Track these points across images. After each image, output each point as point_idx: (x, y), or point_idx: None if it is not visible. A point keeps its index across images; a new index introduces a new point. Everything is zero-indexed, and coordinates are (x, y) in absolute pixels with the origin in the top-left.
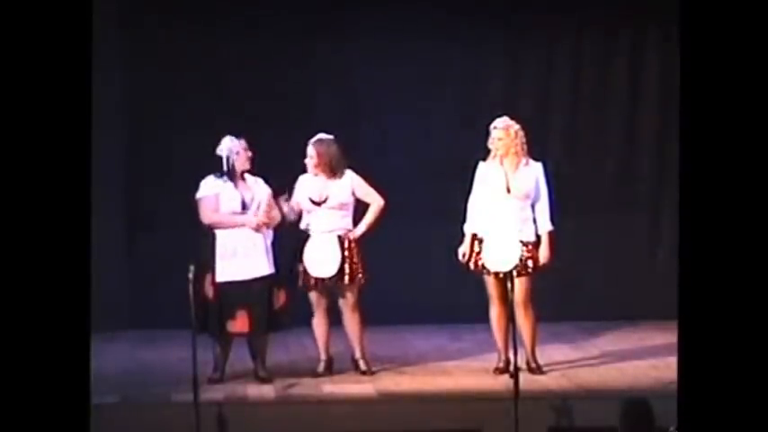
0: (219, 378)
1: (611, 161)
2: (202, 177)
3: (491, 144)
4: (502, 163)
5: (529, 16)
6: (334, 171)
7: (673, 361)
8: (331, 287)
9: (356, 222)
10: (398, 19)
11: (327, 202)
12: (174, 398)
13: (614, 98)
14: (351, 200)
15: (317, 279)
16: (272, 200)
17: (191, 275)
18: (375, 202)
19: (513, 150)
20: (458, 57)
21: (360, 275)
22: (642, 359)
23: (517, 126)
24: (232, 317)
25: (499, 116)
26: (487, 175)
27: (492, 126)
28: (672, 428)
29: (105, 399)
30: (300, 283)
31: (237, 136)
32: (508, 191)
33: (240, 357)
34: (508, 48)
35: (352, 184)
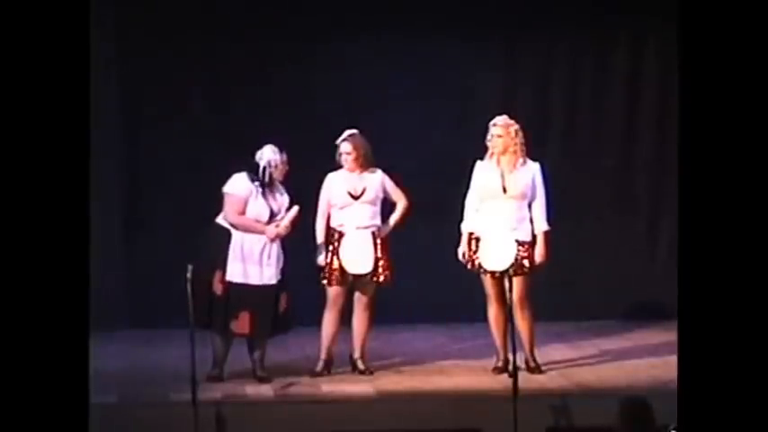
0: (219, 375)
1: (610, 161)
2: (200, 176)
3: (489, 142)
4: (499, 162)
5: (528, 16)
6: (369, 164)
7: (672, 360)
8: (363, 284)
9: (382, 221)
10: (398, 19)
11: (364, 195)
12: (172, 397)
13: (613, 98)
14: (381, 196)
15: (353, 276)
16: (293, 212)
17: (189, 275)
18: (401, 200)
19: (511, 149)
20: (457, 57)
21: (388, 273)
22: (641, 358)
23: (517, 126)
24: (235, 317)
25: (499, 114)
26: (484, 174)
27: (491, 123)
28: (671, 427)
29: (104, 398)
30: (333, 278)
31: (281, 148)
32: (504, 190)
33: (239, 357)
34: (508, 48)
35: (382, 179)
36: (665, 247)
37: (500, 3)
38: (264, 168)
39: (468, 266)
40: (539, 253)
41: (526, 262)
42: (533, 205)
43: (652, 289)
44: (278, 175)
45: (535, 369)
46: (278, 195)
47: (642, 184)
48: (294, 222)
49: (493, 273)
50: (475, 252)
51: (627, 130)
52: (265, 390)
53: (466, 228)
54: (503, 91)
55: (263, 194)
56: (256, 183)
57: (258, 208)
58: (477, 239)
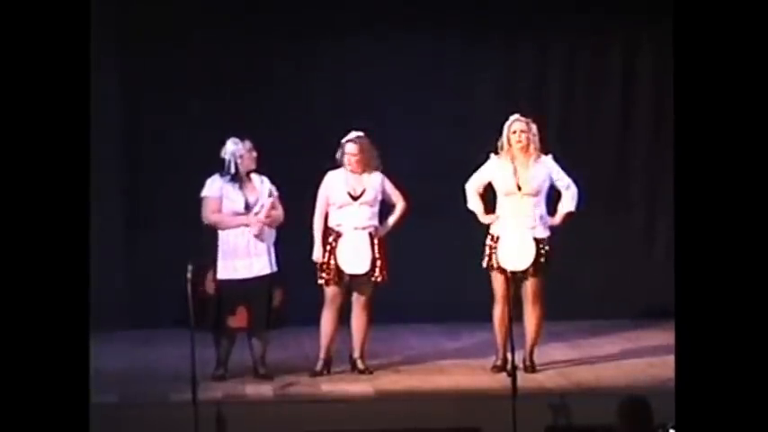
0: (223, 375)
1: (608, 161)
2: (200, 176)
3: (508, 139)
4: (513, 159)
5: (526, 17)
6: (371, 167)
7: (670, 359)
8: (360, 284)
9: (380, 222)
10: (398, 19)
11: (363, 196)
12: (172, 397)
13: (609, 99)
14: (380, 197)
15: (350, 275)
16: (276, 199)
17: (189, 275)
18: (400, 202)
19: (532, 146)
20: (455, 57)
21: (385, 273)
22: (639, 357)
23: (534, 124)
24: (232, 312)
25: (510, 114)
26: (498, 171)
27: (511, 120)
28: (669, 426)
29: (105, 398)
30: (330, 278)
31: (241, 137)
32: (519, 187)
33: (239, 356)
34: (506, 48)
35: (382, 180)
36: (662, 247)
37: (498, 3)
38: (229, 162)
39: (484, 264)
40: (554, 222)
41: (543, 260)
42: (566, 192)
43: (650, 289)
44: (245, 165)
45: (529, 368)
46: (255, 185)
47: (639, 185)
48: (273, 207)
49: (514, 272)
50: (492, 249)
51: (623, 130)
52: (265, 389)
53: (475, 207)
54: (501, 91)
55: (239, 187)
56: (227, 178)
57: (233, 201)
58: (497, 238)
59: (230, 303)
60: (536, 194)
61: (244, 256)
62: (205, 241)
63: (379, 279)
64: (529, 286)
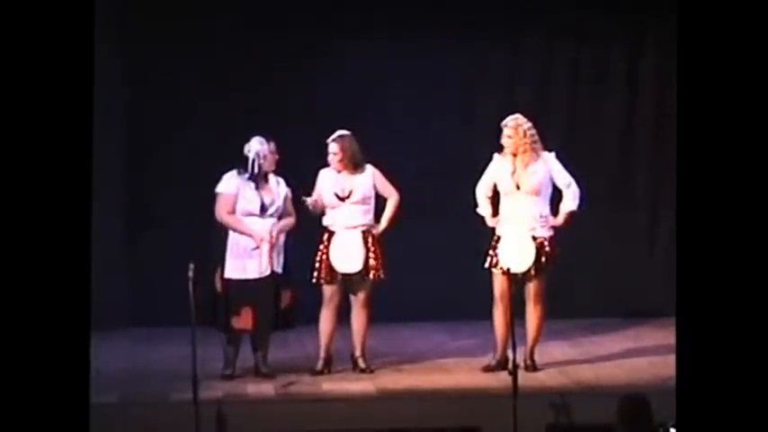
0: (231, 374)
1: (609, 159)
2: (201, 176)
3: (502, 141)
4: (513, 159)
5: (528, 16)
6: (356, 166)
7: (670, 358)
8: (355, 283)
9: (376, 218)
10: (398, 18)
11: (351, 196)
12: (173, 396)
13: (612, 96)
14: (373, 194)
15: (343, 275)
16: (290, 203)
17: (191, 274)
18: (391, 196)
19: (521, 149)
20: (457, 56)
21: (380, 272)
22: (640, 356)
23: (528, 125)
24: (237, 313)
25: (512, 113)
26: (499, 171)
27: (503, 124)
28: (670, 424)
29: (105, 398)
30: (323, 277)
31: (267, 138)
32: (518, 187)
33: (240, 355)
34: (507, 47)
35: (373, 177)
36: (663, 246)
37: (502, 2)
38: (253, 161)
39: (486, 264)
40: (556, 222)
41: (544, 259)
42: (565, 191)
43: (651, 287)
44: (267, 166)
45: (530, 367)
46: (271, 186)
47: (641, 184)
48: (288, 213)
49: (515, 273)
50: (495, 249)
51: (626, 129)
52: (266, 388)
53: (484, 212)
54: (502, 90)
55: (256, 187)
56: (245, 176)
57: (248, 202)
58: (499, 238)
59: (236, 304)
60: (536, 194)
61: (254, 256)
62: (215, 238)
63: (372, 277)
64: (530, 286)
